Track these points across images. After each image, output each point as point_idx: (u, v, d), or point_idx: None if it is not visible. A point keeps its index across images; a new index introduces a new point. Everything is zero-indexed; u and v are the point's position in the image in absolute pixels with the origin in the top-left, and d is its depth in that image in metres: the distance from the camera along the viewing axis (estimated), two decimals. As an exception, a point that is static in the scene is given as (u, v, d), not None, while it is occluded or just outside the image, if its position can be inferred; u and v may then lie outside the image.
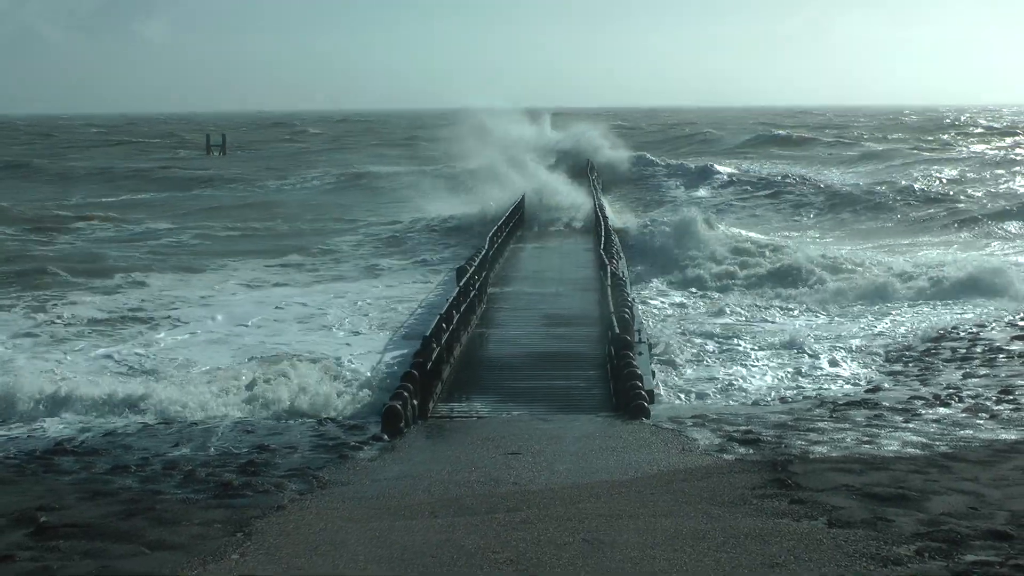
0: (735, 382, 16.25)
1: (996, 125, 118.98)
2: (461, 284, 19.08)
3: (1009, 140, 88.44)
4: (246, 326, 21.44)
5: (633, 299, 20.22)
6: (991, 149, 76.41)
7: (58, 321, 21.76)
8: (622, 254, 27.23)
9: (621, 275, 22.33)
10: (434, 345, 14.30)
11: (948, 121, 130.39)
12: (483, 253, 23.84)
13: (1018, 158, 64.57)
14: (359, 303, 23.95)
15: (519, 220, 35.34)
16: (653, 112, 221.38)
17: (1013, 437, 10.98)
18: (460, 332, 17.25)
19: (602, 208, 36.25)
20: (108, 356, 18.58)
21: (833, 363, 17.81)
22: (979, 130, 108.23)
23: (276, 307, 23.58)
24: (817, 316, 22.52)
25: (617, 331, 15.14)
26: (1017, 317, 21.61)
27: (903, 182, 49.39)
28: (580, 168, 55.11)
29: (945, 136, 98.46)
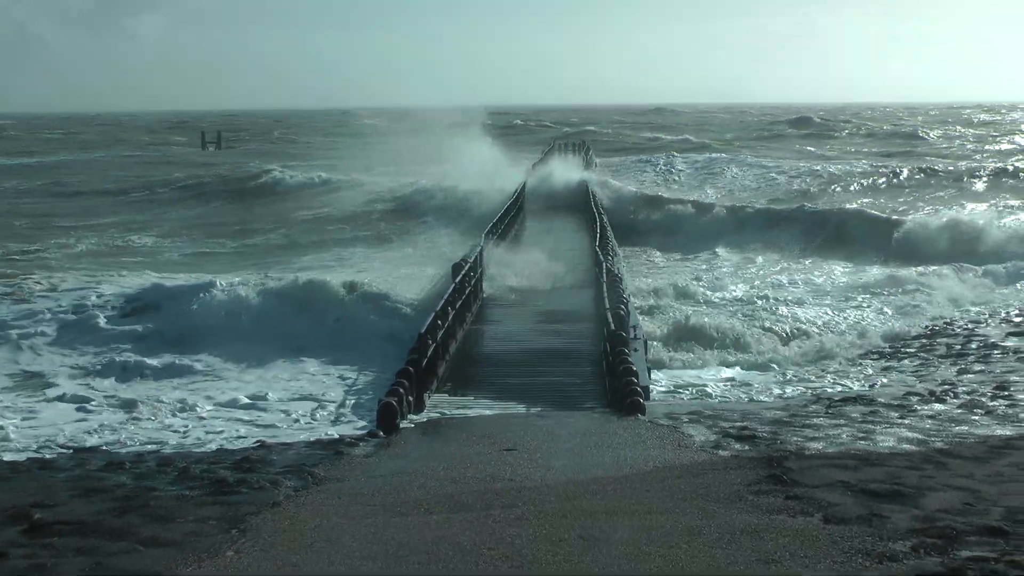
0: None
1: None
2: (457, 280, 19.06)
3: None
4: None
5: (628, 296, 20.22)
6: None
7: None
8: (618, 251, 27.21)
9: (617, 272, 22.33)
10: (429, 341, 14.28)
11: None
12: (479, 249, 23.76)
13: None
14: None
15: None
16: (642, 111, 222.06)
17: (1008, 433, 10.99)
18: (455, 328, 17.23)
19: (598, 202, 36.24)
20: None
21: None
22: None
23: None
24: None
25: (613, 327, 15.13)
26: (1012, 313, 21.65)
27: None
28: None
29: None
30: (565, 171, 49.22)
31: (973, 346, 18.37)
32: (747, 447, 10.05)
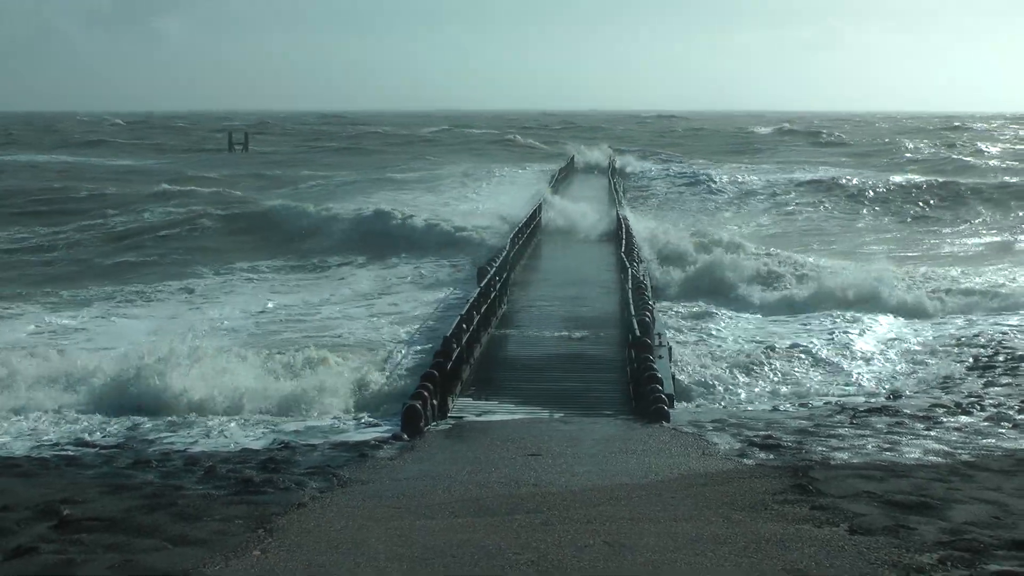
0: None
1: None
2: (482, 285, 19.10)
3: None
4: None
5: (653, 303, 20.18)
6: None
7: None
8: (642, 257, 27.16)
9: (642, 278, 22.30)
10: (454, 345, 14.32)
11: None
12: (504, 254, 23.77)
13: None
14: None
15: None
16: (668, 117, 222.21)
17: (1036, 447, 10.90)
18: (480, 333, 17.25)
19: (623, 213, 36.19)
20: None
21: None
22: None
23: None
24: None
25: (637, 334, 15.11)
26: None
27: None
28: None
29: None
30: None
31: (1000, 358, 18.21)
32: (772, 456, 10.02)
